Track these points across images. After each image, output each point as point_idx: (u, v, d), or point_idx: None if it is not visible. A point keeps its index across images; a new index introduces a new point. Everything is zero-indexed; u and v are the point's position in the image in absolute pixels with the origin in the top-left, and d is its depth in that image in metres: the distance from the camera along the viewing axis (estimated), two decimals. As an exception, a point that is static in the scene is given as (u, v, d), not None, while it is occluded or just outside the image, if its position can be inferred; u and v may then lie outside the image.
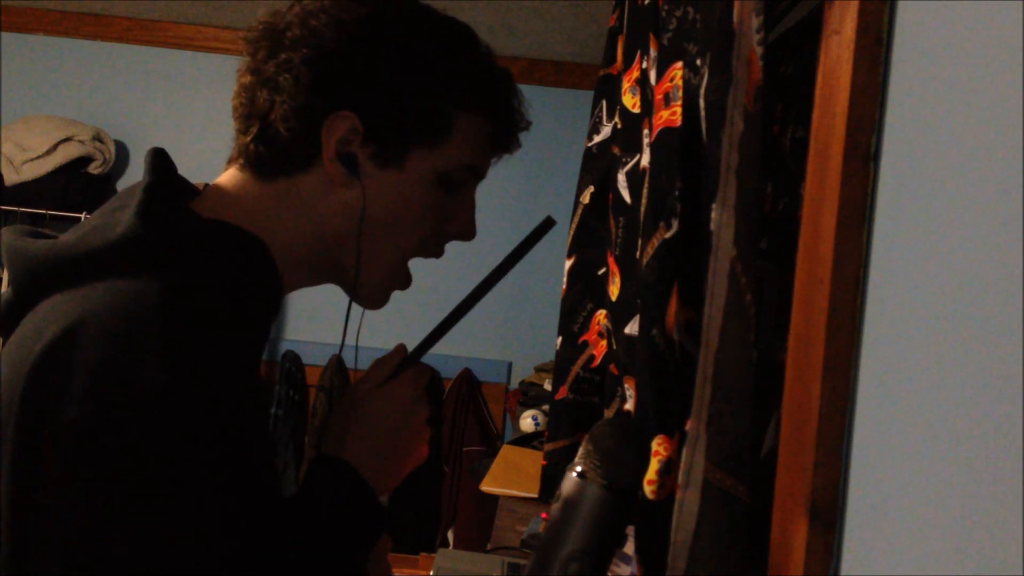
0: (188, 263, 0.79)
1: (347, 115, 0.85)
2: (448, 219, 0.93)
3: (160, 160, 0.87)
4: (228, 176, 0.90)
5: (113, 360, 0.71)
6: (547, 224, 0.96)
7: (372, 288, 0.93)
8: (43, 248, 0.80)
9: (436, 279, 3.35)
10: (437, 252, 0.96)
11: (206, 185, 0.91)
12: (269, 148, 0.86)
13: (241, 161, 0.89)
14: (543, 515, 1.89)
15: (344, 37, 0.85)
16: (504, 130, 0.94)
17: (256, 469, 0.77)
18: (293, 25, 0.86)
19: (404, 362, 0.95)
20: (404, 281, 0.95)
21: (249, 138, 0.87)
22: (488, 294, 0.97)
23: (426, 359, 0.97)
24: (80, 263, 0.78)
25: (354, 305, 0.95)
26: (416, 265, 0.95)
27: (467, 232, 0.95)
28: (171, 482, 0.71)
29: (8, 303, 0.82)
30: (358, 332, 0.98)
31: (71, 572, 0.70)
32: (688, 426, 0.83)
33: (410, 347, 0.98)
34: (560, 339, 1.68)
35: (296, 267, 0.89)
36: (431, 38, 0.89)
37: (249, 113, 0.87)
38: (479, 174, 0.94)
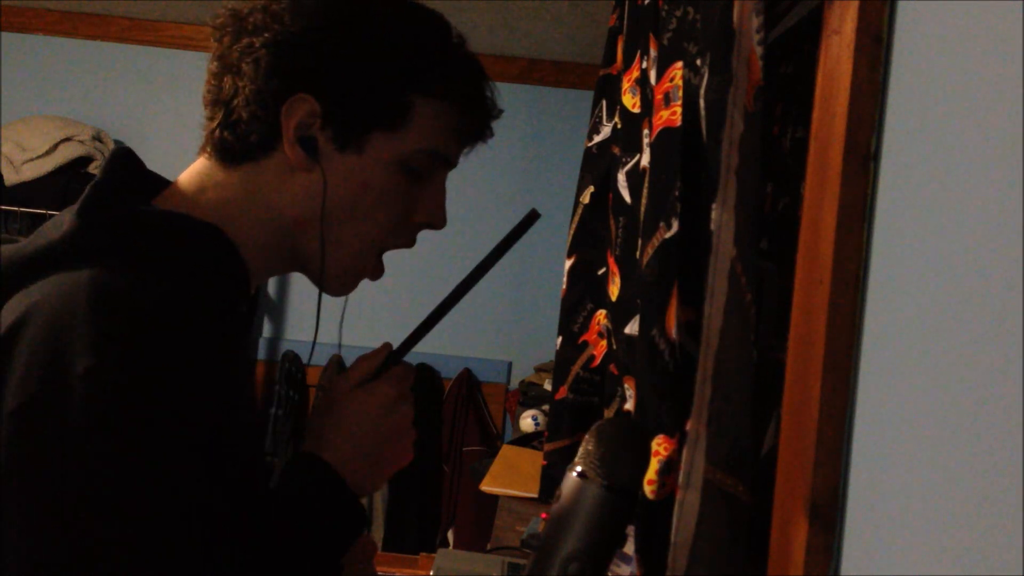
0: (128, 253, 0.79)
1: (305, 98, 0.85)
2: (415, 207, 0.93)
3: (119, 160, 0.87)
4: (194, 167, 0.90)
5: (44, 348, 0.72)
6: (531, 217, 0.95)
7: (337, 274, 0.92)
8: (1, 253, 0.82)
9: (430, 278, 3.35)
10: (408, 242, 0.95)
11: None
12: (232, 133, 0.87)
13: (208, 149, 0.89)
14: (543, 515, 1.89)
15: (302, 20, 0.86)
16: (471, 117, 0.94)
17: (209, 458, 0.76)
18: (256, 10, 0.87)
19: (388, 361, 0.94)
20: (374, 271, 0.95)
21: (215, 124, 0.88)
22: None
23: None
24: (31, 263, 0.79)
25: (325, 304, 0.94)
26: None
27: (436, 221, 0.95)
28: (101, 471, 0.71)
29: None
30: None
31: (19, 568, 0.71)
32: (688, 426, 0.83)
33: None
34: (560, 339, 1.68)
35: (262, 255, 0.89)
36: (392, 21, 0.89)
37: (215, 100, 0.88)
38: (446, 161, 0.93)
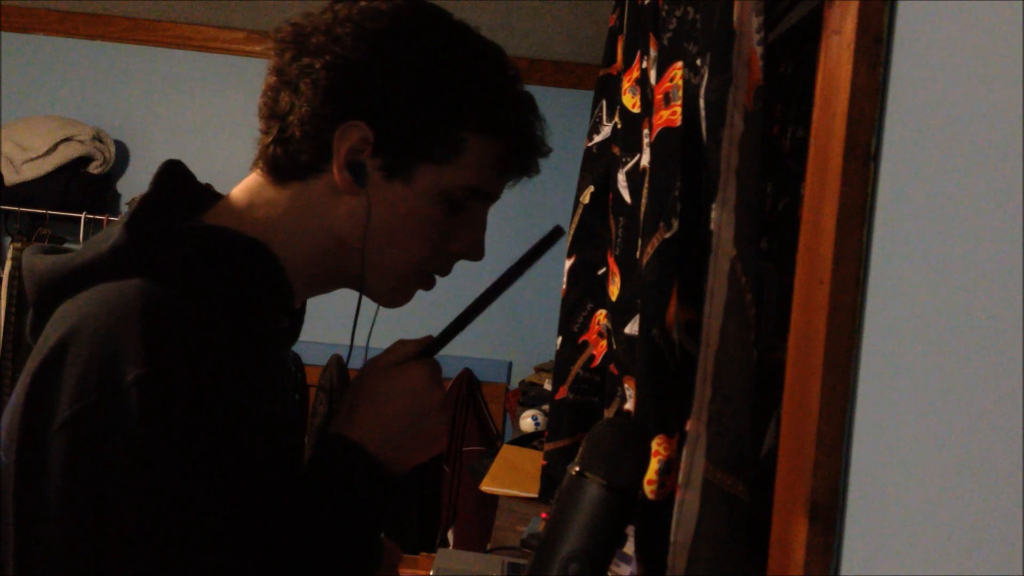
0: (173, 266, 0.81)
1: (359, 125, 0.86)
2: (451, 238, 0.93)
3: (168, 172, 0.89)
4: (246, 182, 0.92)
5: (96, 359, 0.73)
6: (555, 234, 0.96)
7: (382, 293, 0.94)
8: (48, 264, 0.84)
9: (439, 282, 3.35)
10: (443, 270, 0.96)
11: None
12: (284, 150, 0.88)
13: (260, 163, 0.91)
14: (543, 515, 1.89)
15: (365, 47, 0.86)
16: (519, 155, 0.94)
17: (254, 464, 0.78)
18: (319, 30, 0.87)
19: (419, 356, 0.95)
20: (425, 284, 0.97)
21: (269, 139, 0.89)
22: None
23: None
24: (77, 275, 0.81)
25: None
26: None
27: (473, 253, 0.96)
28: (156, 477, 0.72)
29: (31, 318, 0.85)
30: (360, 331, 0.98)
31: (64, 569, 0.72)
32: (688, 426, 0.83)
33: None
34: (560, 339, 1.68)
35: (308, 272, 0.91)
36: (453, 57, 0.90)
37: (271, 114, 0.89)
38: (489, 196, 0.94)
